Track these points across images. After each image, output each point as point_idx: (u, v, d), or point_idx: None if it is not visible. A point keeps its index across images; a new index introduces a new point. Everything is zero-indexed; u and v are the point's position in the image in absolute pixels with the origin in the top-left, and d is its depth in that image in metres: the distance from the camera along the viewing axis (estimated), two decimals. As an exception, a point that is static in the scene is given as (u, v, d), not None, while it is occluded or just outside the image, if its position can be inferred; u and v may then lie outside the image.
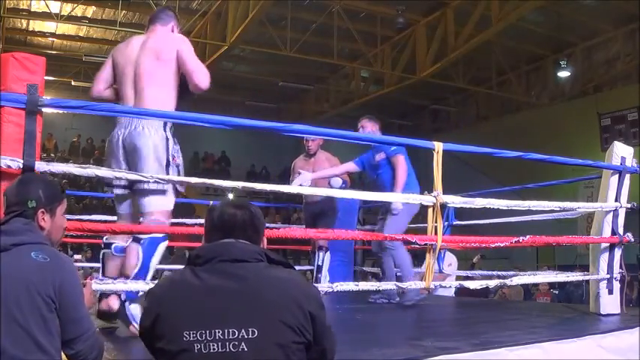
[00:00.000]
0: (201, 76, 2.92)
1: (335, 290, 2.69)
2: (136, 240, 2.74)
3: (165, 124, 2.85)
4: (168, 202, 2.87)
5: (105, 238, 2.98)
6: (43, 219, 1.76)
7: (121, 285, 2.44)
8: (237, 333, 1.41)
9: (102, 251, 2.97)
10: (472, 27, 11.85)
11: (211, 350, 1.40)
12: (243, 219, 1.58)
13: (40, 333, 1.54)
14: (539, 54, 15.23)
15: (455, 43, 12.39)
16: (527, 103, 16.43)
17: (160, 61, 2.89)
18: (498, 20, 11.23)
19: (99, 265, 3.05)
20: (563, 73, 15.04)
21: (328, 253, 5.08)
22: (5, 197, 1.79)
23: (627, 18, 12.39)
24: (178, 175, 2.84)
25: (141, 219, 2.84)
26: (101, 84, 3.03)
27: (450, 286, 5.08)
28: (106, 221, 4.42)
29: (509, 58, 15.15)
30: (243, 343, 1.40)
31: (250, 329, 1.41)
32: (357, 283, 2.92)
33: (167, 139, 2.83)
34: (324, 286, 2.91)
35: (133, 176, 2.45)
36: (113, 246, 2.89)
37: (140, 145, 2.77)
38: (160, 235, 2.77)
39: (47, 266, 1.61)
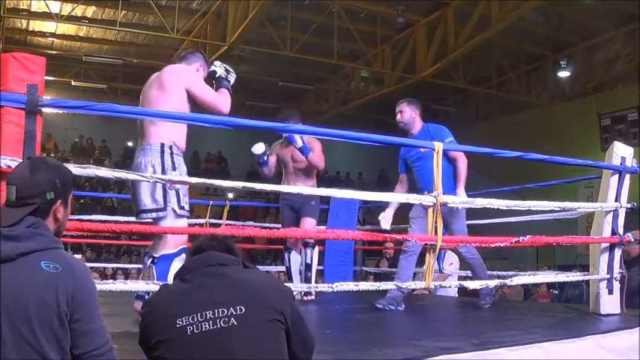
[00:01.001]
0: (222, 105, 3.00)
1: (335, 290, 2.70)
2: (152, 260, 2.81)
3: (162, 152, 2.88)
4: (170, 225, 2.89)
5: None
6: (59, 210, 1.59)
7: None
8: (226, 311, 1.54)
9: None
10: (472, 27, 11.85)
11: (203, 329, 1.53)
12: (219, 246, 1.74)
13: (52, 351, 1.41)
14: (539, 54, 15.22)
15: (455, 43, 12.39)
16: (527, 103, 16.43)
17: (164, 91, 2.93)
18: (498, 20, 11.23)
19: (99, 265, 3.08)
20: (563, 73, 15.04)
21: (316, 248, 4.75)
22: (13, 187, 1.56)
23: (627, 18, 12.39)
24: (177, 198, 2.88)
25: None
26: None
27: (450, 286, 5.08)
28: (106, 221, 4.42)
29: (509, 58, 15.15)
30: (232, 319, 1.53)
31: (238, 307, 1.55)
32: (357, 283, 2.93)
33: (163, 167, 2.86)
34: (323, 285, 2.91)
35: (133, 176, 2.44)
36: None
37: (135, 179, 2.73)
38: (173, 251, 2.81)
39: (59, 278, 1.44)
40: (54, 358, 1.40)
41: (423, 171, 3.91)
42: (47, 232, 1.54)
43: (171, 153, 2.91)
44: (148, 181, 2.66)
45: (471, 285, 3.30)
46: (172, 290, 1.67)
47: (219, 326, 1.53)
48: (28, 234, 1.48)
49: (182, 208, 2.91)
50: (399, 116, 4.16)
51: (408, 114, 4.13)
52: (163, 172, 2.83)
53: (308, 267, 4.70)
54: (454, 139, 4.00)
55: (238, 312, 1.55)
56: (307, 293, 4.52)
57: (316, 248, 4.74)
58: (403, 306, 3.96)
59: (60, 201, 1.59)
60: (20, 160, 2.05)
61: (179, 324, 1.54)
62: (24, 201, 1.54)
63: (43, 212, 1.56)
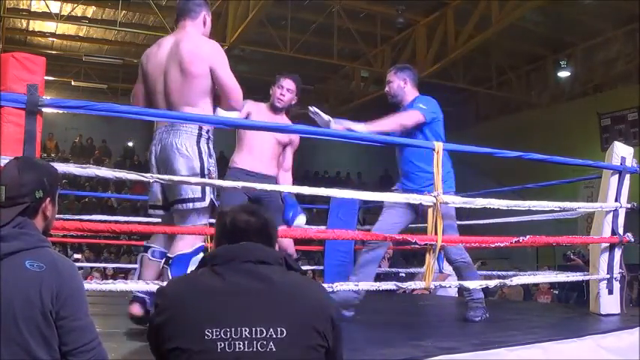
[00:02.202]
0: (238, 96, 2.75)
1: (335, 290, 2.69)
2: (166, 261, 2.62)
3: (199, 135, 2.66)
4: (204, 219, 2.73)
5: (145, 241, 2.87)
6: (48, 208, 1.59)
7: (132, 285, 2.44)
8: (265, 332, 1.34)
9: (140, 254, 2.87)
10: (472, 27, 11.84)
11: (236, 349, 1.32)
12: (256, 226, 1.51)
13: (40, 349, 1.41)
14: (539, 54, 15.23)
15: (455, 43, 12.38)
16: (527, 103, 16.43)
17: (190, 76, 2.65)
18: (498, 20, 11.23)
19: (99, 265, 3.04)
20: (563, 73, 15.06)
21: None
22: (2, 188, 1.54)
23: (627, 18, 12.38)
24: (213, 191, 2.70)
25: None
26: (140, 102, 2.84)
27: (450, 286, 5.07)
28: (106, 221, 4.42)
29: (509, 58, 15.15)
30: (271, 343, 1.33)
31: (279, 328, 1.34)
32: (357, 283, 2.93)
33: (201, 154, 2.66)
34: (324, 286, 2.90)
35: (133, 176, 2.43)
36: (150, 250, 2.78)
37: (175, 166, 2.63)
38: (189, 251, 2.62)
39: (43, 275, 1.44)
40: (42, 357, 1.41)
41: (402, 153, 3.59)
42: (34, 231, 1.54)
43: (208, 138, 2.71)
44: (149, 180, 2.51)
45: (471, 285, 3.30)
46: (201, 284, 1.42)
47: (254, 349, 1.32)
48: (15, 234, 1.48)
49: (216, 199, 2.73)
50: (387, 88, 3.65)
51: (396, 83, 3.58)
52: (200, 158, 2.64)
53: None
54: (437, 114, 3.49)
55: (279, 335, 1.34)
56: None
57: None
58: (352, 312, 3.47)
59: (49, 199, 1.59)
60: (20, 160, 2.05)
61: (208, 335, 1.32)
62: (14, 201, 1.54)
63: (31, 211, 1.56)
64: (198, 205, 2.66)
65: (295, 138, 3.97)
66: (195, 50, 2.68)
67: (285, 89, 3.86)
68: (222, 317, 1.34)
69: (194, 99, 2.68)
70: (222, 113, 2.78)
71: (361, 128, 3.15)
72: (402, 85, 3.58)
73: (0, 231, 1.47)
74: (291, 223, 3.64)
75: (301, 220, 3.73)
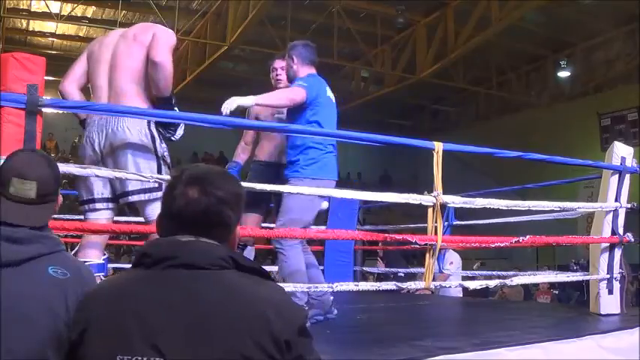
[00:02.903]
0: (168, 74, 2.49)
1: (335, 290, 2.69)
2: None
3: (149, 121, 2.48)
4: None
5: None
6: (55, 207, 1.46)
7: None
8: None
9: None
10: (472, 27, 11.85)
11: None
12: (207, 209, 1.16)
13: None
14: (539, 54, 15.23)
15: (455, 43, 12.39)
16: (527, 103, 16.43)
17: (139, 45, 2.53)
18: (498, 20, 11.23)
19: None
20: (563, 73, 15.06)
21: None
22: (33, 184, 1.37)
23: (627, 18, 12.38)
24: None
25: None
26: (74, 82, 2.66)
27: (450, 286, 5.07)
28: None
29: (509, 58, 15.15)
30: None
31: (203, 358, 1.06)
32: (357, 283, 2.93)
33: (153, 137, 2.50)
34: (323, 285, 2.91)
35: (133, 176, 2.41)
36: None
37: (124, 152, 2.45)
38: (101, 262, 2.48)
39: (68, 283, 1.31)
40: None
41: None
42: (51, 232, 1.41)
43: (156, 122, 2.53)
44: (142, 178, 2.33)
45: (471, 285, 3.30)
46: (121, 291, 1.16)
47: None
48: (32, 236, 1.33)
49: None
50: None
51: (287, 67, 3.39)
52: (153, 143, 2.48)
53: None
54: (320, 96, 3.23)
55: None
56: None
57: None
58: (335, 311, 3.32)
59: (58, 196, 1.48)
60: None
61: None
62: (46, 198, 1.39)
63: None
64: (154, 195, 2.44)
65: None
66: (144, 25, 2.70)
67: (279, 69, 3.58)
68: (135, 342, 1.06)
69: (139, 76, 2.52)
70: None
71: (251, 100, 2.99)
72: (291, 64, 3.35)
73: (16, 232, 1.31)
74: None
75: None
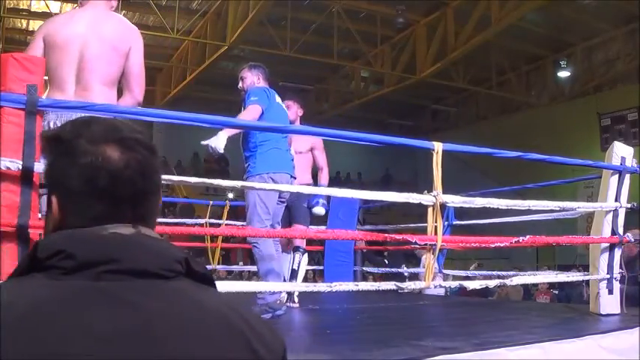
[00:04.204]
0: (142, 87, 2.63)
1: (335, 290, 2.69)
2: None
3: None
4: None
5: None
6: None
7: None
8: None
9: None
10: (472, 27, 11.85)
11: None
12: (144, 171, 0.80)
13: None
14: (539, 54, 15.24)
15: (455, 43, 12.39)
16: (527, 103, 16.45)
17: (115, 54, 2.55)
18: (498, 20, 11.24)
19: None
20: (563, 73, 15.08)
21: (305, 256, 4.25)
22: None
23: (627, 18, 12.39)
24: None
25: None
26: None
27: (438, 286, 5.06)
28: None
29: (509, 58, 15.15)
30: None
31: None
32: (357, 283, 2.93)
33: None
34: (322, 285, 2.91)
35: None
36: None
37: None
38: None
39: None
40: None
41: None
42: None
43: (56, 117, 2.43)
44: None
45: (471, 285, 3.30)
46: (36, 315, 0.66)
47: None
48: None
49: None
50: (240, 84, 3.76)
51: (250, 80, 3.74)
52: None
53: (293, 273, 4.09)
54: (269, 103, 3.59)
55: None
56: (291, 299, 4.02)
57: (305, 255, 4.27)
58: (283, 308, 3.38)
59: None
60: (20, 162, 2.03)
61: None
62: None
63: None
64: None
65: (316, 141, 4.39)
66: (122, 30, 2.66)
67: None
68: None
69: (109, 79, 2.55)
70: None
71: (223, 134, 3.30)
72: (255, 81, 3.74)
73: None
74: (312, 206, 4.01)
75: (320, 210, 4.09)
